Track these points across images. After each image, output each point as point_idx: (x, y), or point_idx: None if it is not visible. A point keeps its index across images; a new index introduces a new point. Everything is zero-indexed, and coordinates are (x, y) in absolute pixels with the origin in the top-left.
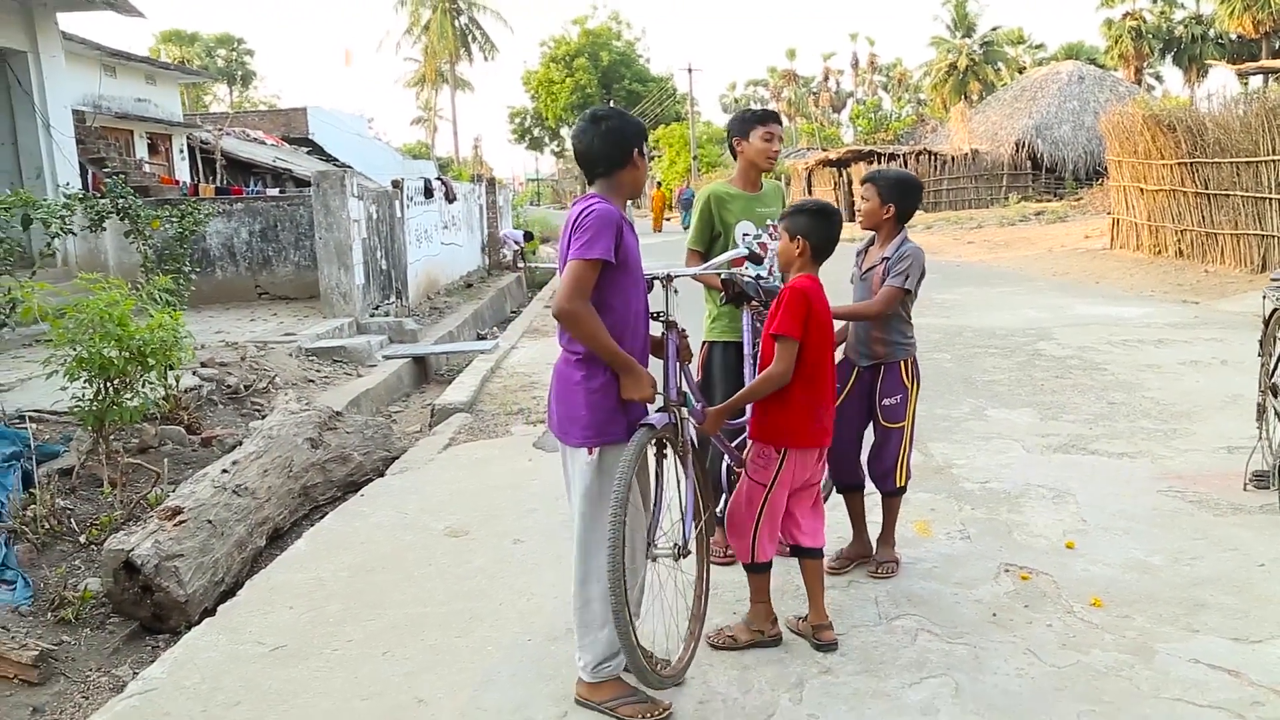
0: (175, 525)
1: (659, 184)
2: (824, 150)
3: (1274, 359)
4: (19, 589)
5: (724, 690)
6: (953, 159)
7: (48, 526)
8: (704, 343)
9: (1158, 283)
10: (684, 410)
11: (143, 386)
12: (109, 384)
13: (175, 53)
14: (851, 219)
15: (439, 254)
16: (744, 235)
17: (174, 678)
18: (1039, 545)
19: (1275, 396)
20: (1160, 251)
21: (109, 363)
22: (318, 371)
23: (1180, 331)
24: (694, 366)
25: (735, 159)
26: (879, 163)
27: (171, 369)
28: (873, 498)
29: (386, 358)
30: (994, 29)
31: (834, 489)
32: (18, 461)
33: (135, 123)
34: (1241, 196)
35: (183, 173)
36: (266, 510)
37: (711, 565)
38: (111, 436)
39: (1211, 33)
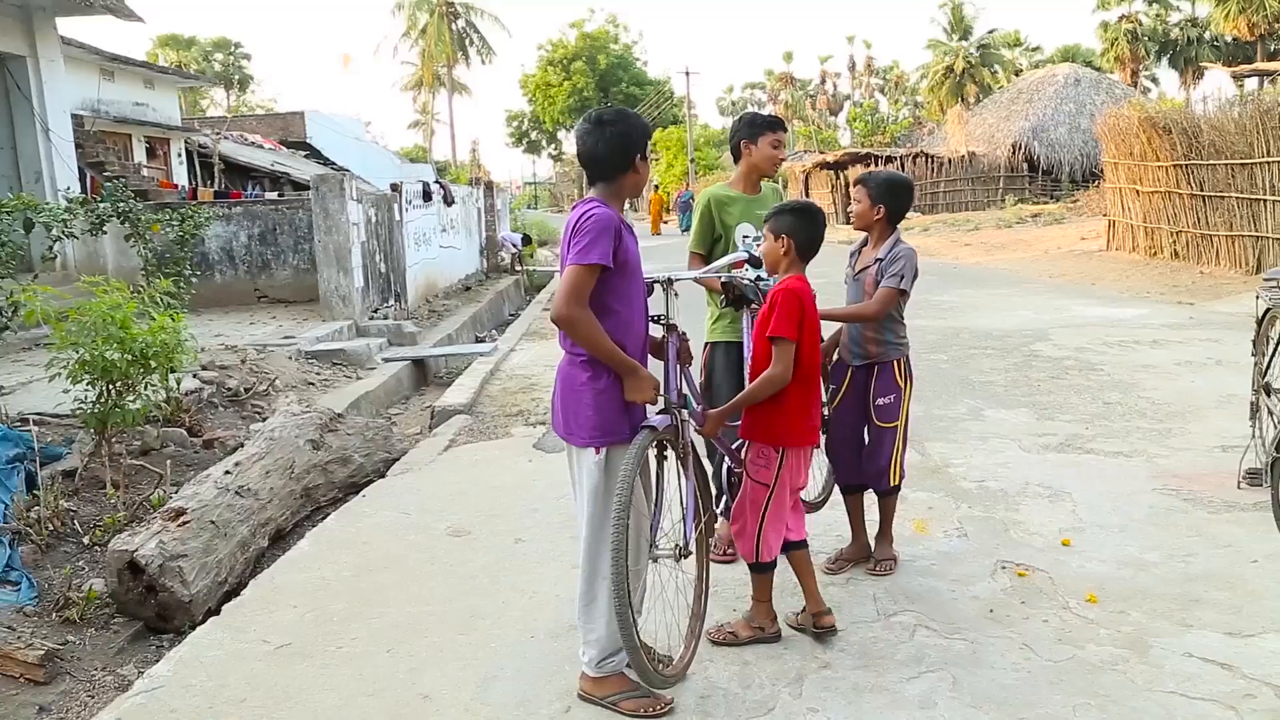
0: (179, 526)
1: (655, 187)
2: (821, 153)
3: (1267, 359)
4: (24, 589)
5: (725, 685)
6: (949, 161)
7: (51, 528)
8: (706, 344)
9: (1153, 284)
10: (684, 412)
11: (145, 389)
12: (111, 387)
13: (172, 57)
14: (849, 221)
15: (437, 257)
16: (744, 237)
17: (180, 675)
18: (1035, 543)
19: (1268, 396)
20: (1156, 253)
21: (111, 365)
22: (317, 374)
23: (1175, 332)
24: (696, 368)
25: (737, 161)
26: (876, 165)
27: (173, 372)
28: (869, 497)
29: (386, 360)
30: (991, 32)
31: (832, 489)
32: (21, 464)
33: (134, 127)
34: (1236, 198)
35: (181, 177)
36: (269, 511)
37: (711, 565)
38: (114, 439)
39: (1207, 35)
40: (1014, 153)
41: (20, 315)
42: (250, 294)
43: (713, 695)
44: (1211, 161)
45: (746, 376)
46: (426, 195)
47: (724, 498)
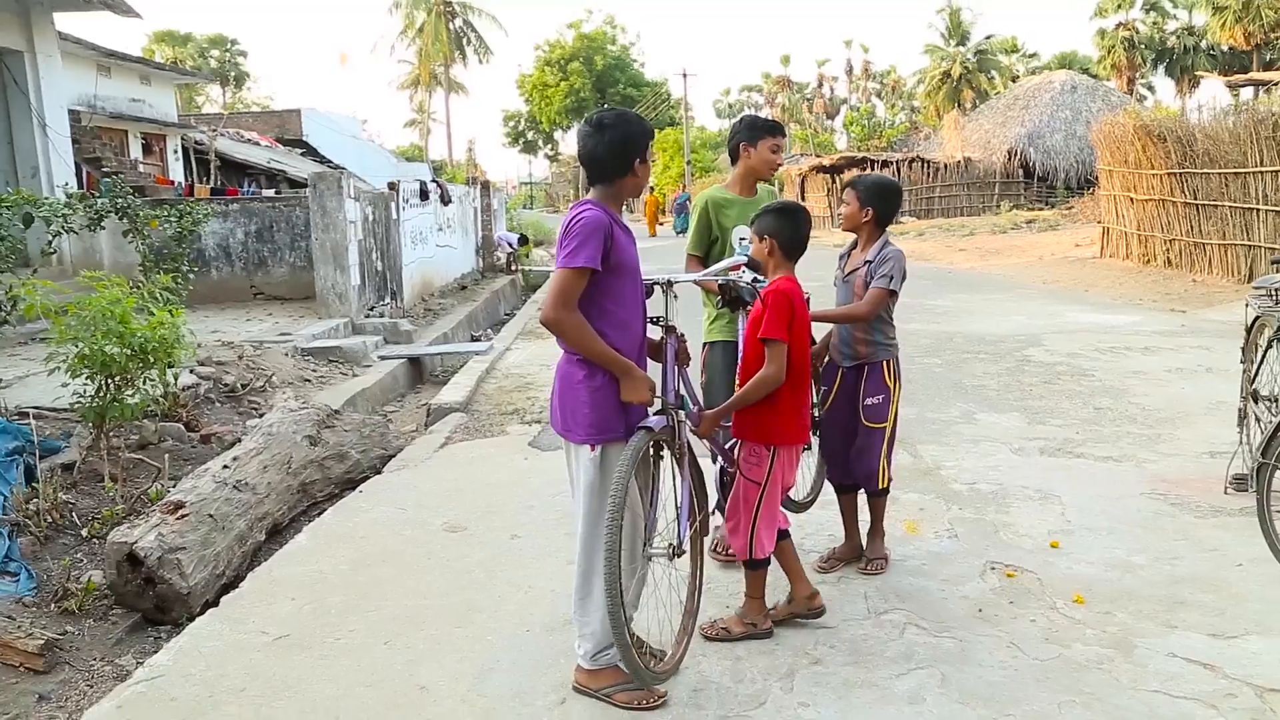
0: (177, 519)
1: (651, 188)
2: (818, 156)
3: (1255, 366)
4: (22, 580)
5: (717, 679)
6: (946, 167)
7: (50, 520)
8: (704, 344)
9: (1146, 291)
10: (681, 413)
11: (143, 384)
12: (110, 381)
13: (169, 53)
14: None
15: (434, 256)
16: (740, 239)
17: (179, 665)
18: (1025, 544)
19: (1255, 403)
20: (1149, 261)
21: (110, 360)
22: (314, 371)
23: (1167, 339)
24: (695, 369)
25: (734, 163)
26: (873, 169)
27: (172, 367)
28: (862, 497)
29: (382, 358)
30: (988, 38)
31: (821, 488)
32: (20, 456)
33: (130, 123)
34: (1229, 207)
35: (177, 173)
36: (266, 505)
37: (705, 564)
38: (112, 433)
39: (1203, 44)
40: (1010, 159)
41: (19, 309)
42: (247, 291)
43: (705, 689)
44: (1205, 170)
45: (737, 377)
46: (423, 194)
47: (718, 499)
